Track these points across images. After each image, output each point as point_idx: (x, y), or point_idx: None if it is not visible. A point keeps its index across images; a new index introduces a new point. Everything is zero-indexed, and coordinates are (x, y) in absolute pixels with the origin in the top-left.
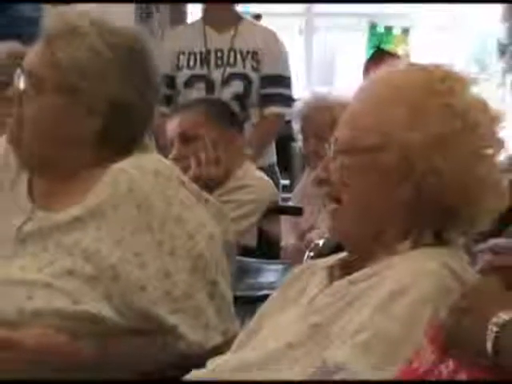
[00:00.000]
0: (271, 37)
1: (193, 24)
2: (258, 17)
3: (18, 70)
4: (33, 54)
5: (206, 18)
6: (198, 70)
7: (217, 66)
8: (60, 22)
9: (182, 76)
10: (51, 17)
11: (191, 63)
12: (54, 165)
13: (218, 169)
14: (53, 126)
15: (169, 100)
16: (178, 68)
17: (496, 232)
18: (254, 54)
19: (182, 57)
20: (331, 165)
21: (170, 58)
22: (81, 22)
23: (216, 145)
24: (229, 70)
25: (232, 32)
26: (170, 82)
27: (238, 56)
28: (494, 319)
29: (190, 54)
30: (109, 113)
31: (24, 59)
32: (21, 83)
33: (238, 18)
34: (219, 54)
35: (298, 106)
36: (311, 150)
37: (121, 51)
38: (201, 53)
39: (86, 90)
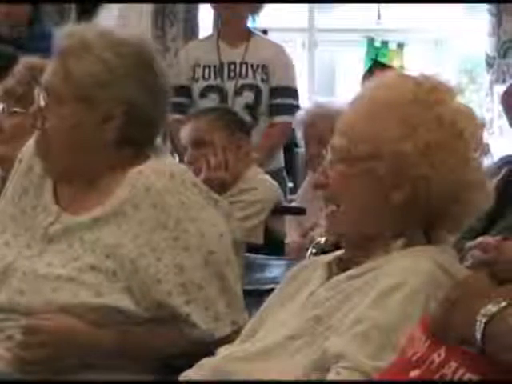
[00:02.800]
0: (280, 51)
1: (207, 38)
2: (264, 32)
3: (37, 88)
4: (48, 71)
5: (219, 33)
6: (212, 81)
7: (229, 77)
8: (70, 38)
9: (198, 87)
10: (62, 34)
11: (206, 75)
12: (77, 171)
13: (227, 172)
14: (73, 135)
15: (185, 108)
16: (194, 79)
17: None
18: (264, 67)
19: (197, 69)
20: (329, 171)
21: (186, 70)
22: (89, 36)
23: (225, 150)
24: (241, 81)
25: (244, 46)
26: (186, 92)
27: (250, 68)
28: (483, 311)
29: (204, 66)
30: (124, 117)
31: (39, 72)
32: (41, 99)
33: (250, 33)
34: (232, 67)
35: (300, 114)
36: (313, 155)
37: (129, 59)
38: (215, 65)
39: (100, 99)
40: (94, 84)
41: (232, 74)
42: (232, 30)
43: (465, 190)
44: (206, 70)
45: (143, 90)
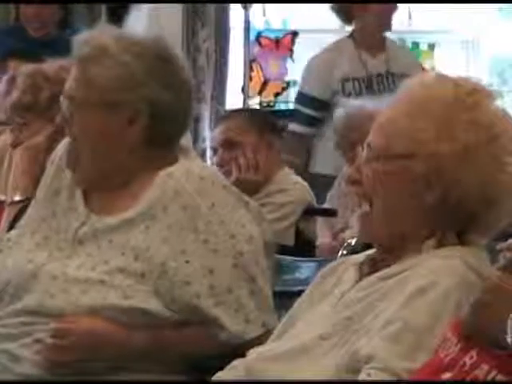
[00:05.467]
0: (413, 58)
1: (344, 48)
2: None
3: (61, 97)
4: (70, 80)
5: (357, 42)
6: (364, 96)
7: (379, 90)
8: (87, 45)
9: None
10: (78, 42)
11: (357, 90)
12: (107, 177)
13: (257, 173)
14: (101, 141)
15: (316, 122)
16: (344, 94)
17: None
18: (406, 77)
19: (346, 84)
20: (363, 168)
21: (331, 84)
22: (106, 41)
23: (256, 151)
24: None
25: (384, 55)
26: (324, 106)
27: (396, 80)
28: None
29: (354, 80)
30: (148, 117)
31: (41, 76)
32: (65, 109)
33: (384, 39)
34: (379, 79)
35: (337, 116)
36: (349, 157)
37: (147, 59)
38: (363, 79)
39: (123, 102)
40: (116, 88)
41: (381, 87)
42: (372, 37)
43: (498, 193)
44: (356, 84)
45: (165, 88)
